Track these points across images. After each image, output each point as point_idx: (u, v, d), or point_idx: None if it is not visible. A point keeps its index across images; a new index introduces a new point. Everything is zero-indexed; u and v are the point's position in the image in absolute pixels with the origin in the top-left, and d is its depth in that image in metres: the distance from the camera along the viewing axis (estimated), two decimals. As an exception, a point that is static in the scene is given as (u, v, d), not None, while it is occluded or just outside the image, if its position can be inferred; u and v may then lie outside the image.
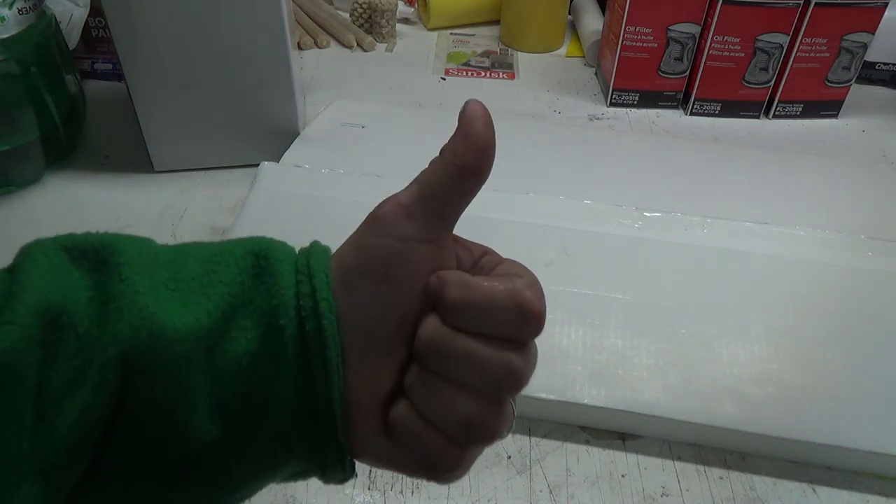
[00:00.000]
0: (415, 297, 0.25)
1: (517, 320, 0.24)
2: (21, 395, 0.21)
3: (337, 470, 0.26)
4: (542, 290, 0.25)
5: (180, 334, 0.23)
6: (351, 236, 0.26)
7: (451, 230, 0.26)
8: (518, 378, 0.24)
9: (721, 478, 0.44)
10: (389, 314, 0.25)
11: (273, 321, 0.24)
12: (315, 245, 0.26)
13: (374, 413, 0.25)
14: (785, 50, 0.74)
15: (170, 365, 0.23)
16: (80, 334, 0.22)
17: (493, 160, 0.25)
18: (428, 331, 0.24)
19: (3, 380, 0.21)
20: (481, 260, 0.27)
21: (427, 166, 0.25)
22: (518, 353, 0.24)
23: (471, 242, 0.28)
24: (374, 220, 0.25)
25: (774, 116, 0.79)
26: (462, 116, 0.25)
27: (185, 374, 0.23)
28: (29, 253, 0.23)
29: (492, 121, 0.25)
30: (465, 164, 0.24)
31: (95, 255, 0.24)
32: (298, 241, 0.47)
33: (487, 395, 0.24)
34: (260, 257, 0.25)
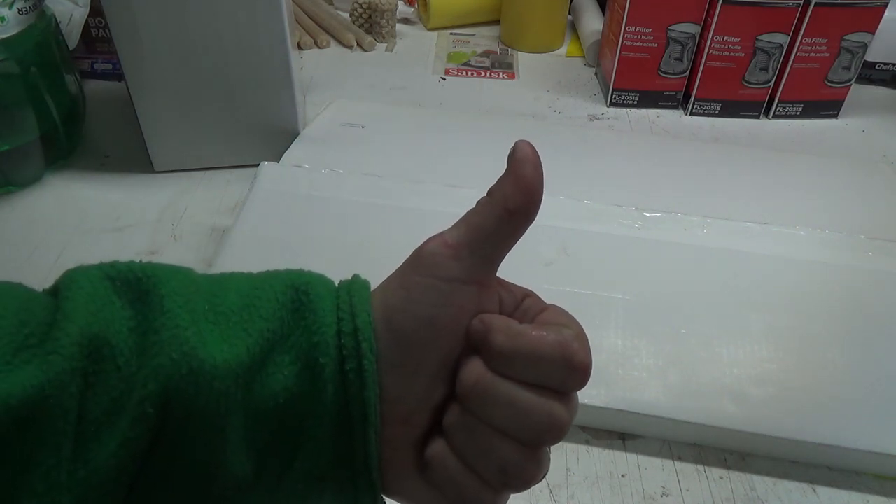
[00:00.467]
0: (457, 338, 0.25)
1: (564, 372, 0.24)
2: (63, 425, 0.21)
3: None
4: (588, 341, 0.25)
5: (220, 371, 0.23)
6: (395, 273, 0.25)
7: (496, 272, 0.26)
8: (560, 428, 0.24)
9: (721, 478, 0.44)
10: (430, 355, 0.25)
11: (312, 359, 0.24)
12: (356, 280, 0.26)
13: (408, 451, 0.25)
14: (785, 50, 0.74)
15: (209, 401, 0.23)
16: (121, 366, 0.22)
17: (541, 201, 0.25)
18: (473, 375, 0.24)
19: (46, 410, 0.21)
20: (523, 303, 0.27)
21: (475, 206, 0.25)
22: (562, 403, 0.24)
23: (513, 285, 0.27)
24: (420, 259, 0.25)
25: (774, 116, 0.79)
26: (512, 158, 0.24)
27: (223, 410, 0.23)
28: (74, 279, 0.23)
29: (540, 161, 0.25)
30: (516, 207, 0.24)
31: (138, 285, 0.24)
32: (298, 241, 0.47)
33: (528, 442, 0.24)
34: (300, 291, 0.25)
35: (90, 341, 0.22)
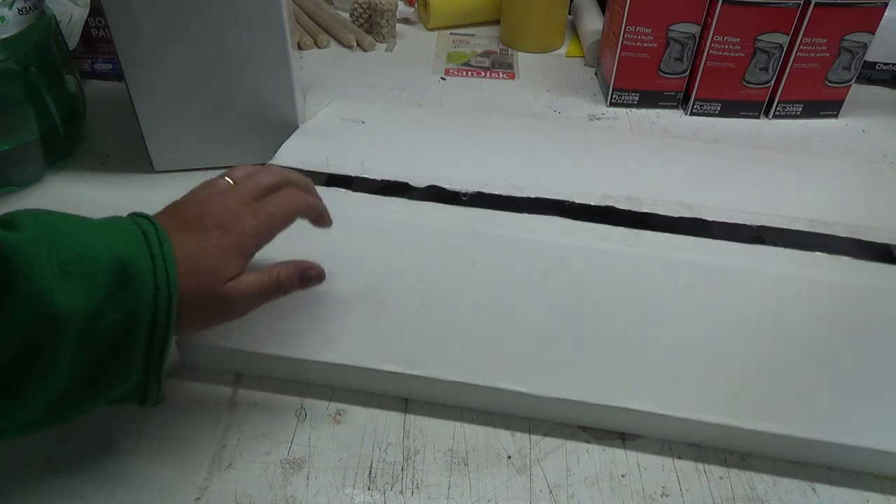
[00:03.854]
0: None
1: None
2: None
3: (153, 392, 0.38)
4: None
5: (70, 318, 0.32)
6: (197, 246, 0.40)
7: None
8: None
9: (721, 478, 0.44)
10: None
11: (135, 312, 0.35)
12: (166, 246, 0.37)
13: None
14: (785, 50, 0.74)
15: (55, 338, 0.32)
16: None
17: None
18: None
19: None
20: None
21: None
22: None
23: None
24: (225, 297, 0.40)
25: (774, 116, 0.79)
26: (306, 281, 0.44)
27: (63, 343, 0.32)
28: None
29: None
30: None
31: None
32: (298, 241, 0.47)
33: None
34: (127, 264, 0.35)
35: None
